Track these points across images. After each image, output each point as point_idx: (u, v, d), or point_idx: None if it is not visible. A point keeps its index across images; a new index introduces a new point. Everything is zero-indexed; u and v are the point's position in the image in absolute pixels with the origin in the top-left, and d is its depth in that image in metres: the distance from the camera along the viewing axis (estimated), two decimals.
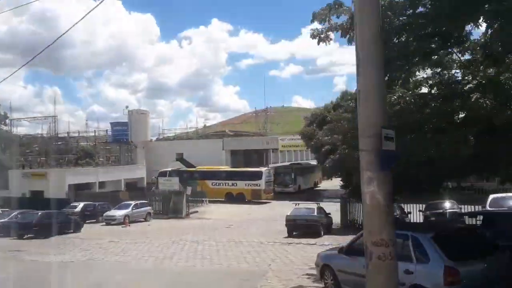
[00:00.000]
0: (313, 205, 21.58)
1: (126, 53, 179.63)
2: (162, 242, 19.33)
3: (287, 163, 57.99)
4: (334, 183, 60.29)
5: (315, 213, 19.80)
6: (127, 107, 53.61)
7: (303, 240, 17.94)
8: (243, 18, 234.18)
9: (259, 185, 39.53)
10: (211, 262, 14.02)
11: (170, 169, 43.39)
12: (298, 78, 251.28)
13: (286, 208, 37.50)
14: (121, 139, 50.80)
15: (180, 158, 49.77)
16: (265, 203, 39.54)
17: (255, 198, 39.44)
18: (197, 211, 34.36)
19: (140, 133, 50.38)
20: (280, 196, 41.61)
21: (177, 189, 33.40)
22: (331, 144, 19.20)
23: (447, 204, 18.84)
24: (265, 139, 47.53)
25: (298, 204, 21.64)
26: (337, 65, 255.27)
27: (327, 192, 50.09)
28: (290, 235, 19.53)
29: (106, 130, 59.39)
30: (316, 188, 52.95)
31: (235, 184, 40.56)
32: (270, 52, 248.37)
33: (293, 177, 46.52)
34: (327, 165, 22.27)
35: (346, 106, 21.79)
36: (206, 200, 38.54)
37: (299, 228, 19.38)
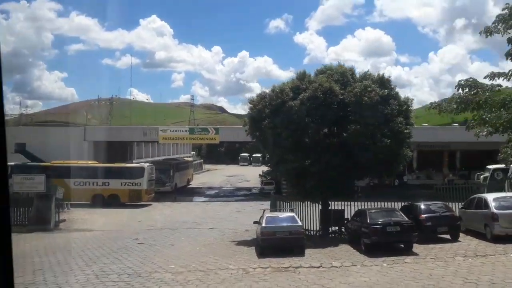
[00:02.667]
0: (285, 212, 16.83)
1: None
2: (80, 279, 12.25)
3: (157, 158, 51.17)
4: (202, 180, 55.82)
5: (298, 222, 15.15)
6: None
7: (298, 261, 13.14)
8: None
9: (140, 185, 32.57)
10: None
11: (12, 163, 32.71)
12: (135, 70, 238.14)
13: (177, 211, 31.94)
14: None
15: (21, 150, 38.58)
16: (146, 205, 32.86)
17: (134, 200, 32.37)
18: (65, 220, 25.98)
19: None
20: (156, 196, 35.30)
21: (42, 191, 24.50)
22: None
23: (440, 207, 16.45)
24: (143, 129, 40.09)
25: (266, 210, 16.65)
26: (175, 62, 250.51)
27: (207, 190, 45.34)
28: (264, 254, 14.44)
29: None
30: (190, 186, 47.68)
31: (107, 184, 32.62)
32: (105, 40, 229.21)
33: (171, 174, 40.46)
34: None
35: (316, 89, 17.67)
36: (67, 205, 29.91)
37: (280, 244, 14.47)
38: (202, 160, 72.61)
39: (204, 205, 34.05)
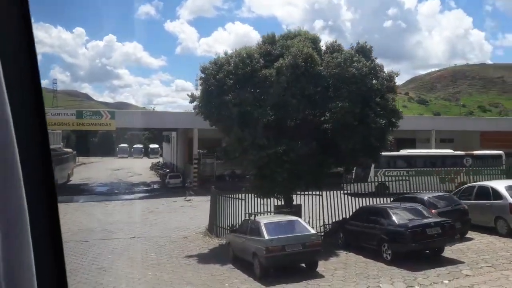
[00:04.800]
0: (284, 215, 12.44)
1: None
2: None
3: None
4: (84, 175, 47.36)
5: (311, 229, 11.08)
6: None
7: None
8: None
9: None
10: None
11: None
12: None
13: (71, 214, 24.93)
14: None
15: None
16: None
17: None
18: None
19: None
20: None
21: None
22: None
23: (447, 199, 14.06)
24: None
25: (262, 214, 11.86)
26: None
27: (95, 187, 38.01)
28: (267, 277, 10.21)
29: None
30: (71, 182, 39.69)
31: None
32: None
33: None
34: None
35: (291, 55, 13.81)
36: None
37: (291, 262, 10.38)
38: (75, 152, 62.85)
39: (102, 206, 27.64)
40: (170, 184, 34.68)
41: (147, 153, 76.39)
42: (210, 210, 19.19)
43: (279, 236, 10.35)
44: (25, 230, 1.09)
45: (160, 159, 63.12)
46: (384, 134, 14.63)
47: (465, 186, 15.52)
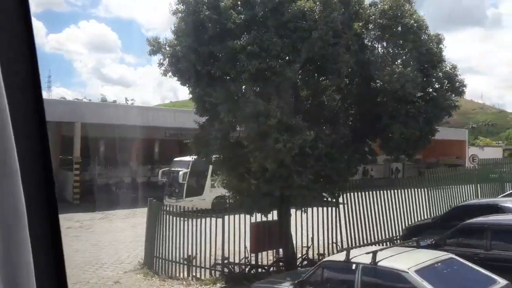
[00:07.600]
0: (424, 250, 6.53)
1: None
2: None
3: None
4: None
5: (496, 278, 5.49)
6: None
7: None
8: None
9: None
10: None
11: None
12: None
13: None
14: None
15: None
16: None
17: None
18: None
19: None
20: None
21: None
22: None
23: None
24: None
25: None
26: None
27: None
28: None
29: None
30: None
31: None
32: None
33: None
34: None
35: None
36: None
37: None
38: None
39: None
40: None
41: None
42: (147, 234, 12.51)
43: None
44: (24, 229, 1.05)
45: None
46: (446, 116, 10.29)
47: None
